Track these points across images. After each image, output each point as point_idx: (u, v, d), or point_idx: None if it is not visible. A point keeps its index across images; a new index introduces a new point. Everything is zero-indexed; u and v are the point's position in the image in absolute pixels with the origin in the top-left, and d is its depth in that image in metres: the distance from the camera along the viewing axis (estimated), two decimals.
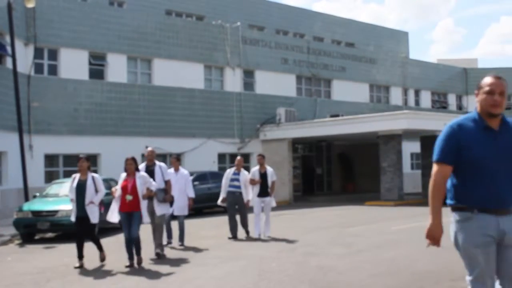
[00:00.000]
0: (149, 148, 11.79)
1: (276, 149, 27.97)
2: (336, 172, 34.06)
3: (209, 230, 15.55)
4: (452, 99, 40.08)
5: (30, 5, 18.34)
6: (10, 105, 19.27)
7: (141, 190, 9.66)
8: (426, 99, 38.19)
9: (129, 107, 24.15)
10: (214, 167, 25.97)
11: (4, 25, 19.35)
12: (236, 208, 13.25)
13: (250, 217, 13.30)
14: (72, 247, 12.76)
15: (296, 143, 30.02)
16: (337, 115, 28.60)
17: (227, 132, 27.26)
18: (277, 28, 35.24)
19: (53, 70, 22.75)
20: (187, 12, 32.37)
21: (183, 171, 12.74)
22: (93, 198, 9.91)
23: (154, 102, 24.92)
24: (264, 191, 13.02)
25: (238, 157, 13.85)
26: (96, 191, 10.01)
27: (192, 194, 12.59)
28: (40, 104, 21.80)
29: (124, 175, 9.90)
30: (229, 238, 13.07)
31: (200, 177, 21.68)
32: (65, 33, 22.76)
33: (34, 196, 16.35)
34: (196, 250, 11.57)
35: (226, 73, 27.79)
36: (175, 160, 12.97)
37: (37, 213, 14.42)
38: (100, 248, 10.30)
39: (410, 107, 35.77)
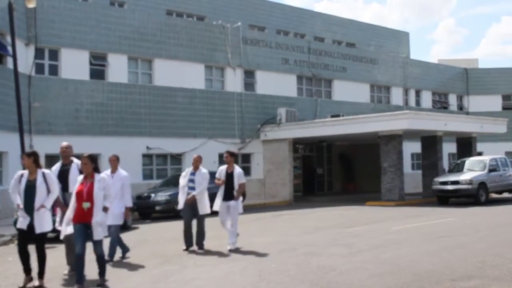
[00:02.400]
0: (64, 143, 9.91)
1: (277, 149, 27.97)
2: (337, 172, 34.06)
3: (209, 231, 15.45)
4: (453, 99, 40.03)
5: (31, 5, 18.31)
6: (10, 105, 19.25)
7: (99, 197, 7.98)
8: (427, 99, 38.16)
9: (130, 107, 24.14)
10: (215, 168, 25.89)
11: (5, 25, 19.34)
12: (192, 214, 11.57)
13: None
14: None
15: (296, 143, 30.02)
16: (338, 115, 28.57)
17: (227, 132, 27.25)
18: (278, 28, 35.24)
19: (54, 70, 22.73)
20: (188, 12, 32.38)
21: (122, 172, 10.78)
22: (44, 201, 8.23)
23: (155, 102, 24.92)
24: (228, 194, 11.34)
25: (195, 155, 12.06)
26: (49, 191, 8.31)
27: (129, 203, 10.66)
28: (41, 104, 21.78)
29: (80, 177, 8.22)
30: (184, 250, 11.46)
31: None
32: (66, 33, 22.76)
33: None
34: (195, 250, 11.54)
35: (227, 73, 27.78)
36: (115, 159, 10.87)
37: None
38: (41, 270, 8.30)
39: (411, 107, 35.76)
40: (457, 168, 25.17)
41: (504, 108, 39.86)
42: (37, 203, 8.12)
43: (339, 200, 26.87)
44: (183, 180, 11.66)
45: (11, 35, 18.33)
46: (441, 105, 39.05)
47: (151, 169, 24.99)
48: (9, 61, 19.87)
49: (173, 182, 21.21)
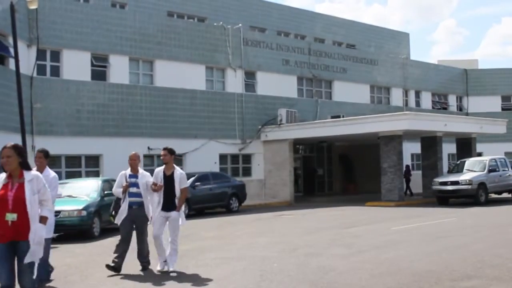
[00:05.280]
0: None
1: (277, 150, 27.98)
2: (337, 173, 34.06)
3: (211, 231, 15.53)
4: (452, 100, 40.03)
5: (33, 6, 18.31)
6: (12, 106, 19.25)
7: (32, 203, 5.49)
8: (426, 100, 38.15)
9: (131, 108, 24.16)
10: (216, 168, 25.97)
11: (7, 26, 19.35)
12: (135, 227, 9.29)
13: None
14: (74, 247, 12.82)
15: (297, 144, 30.02)
16: (338, 116, 28.60)
17: (228, 133, 27.26)
18: (278, 30, 35.26)
19: (55, 71, 22.75)
20: (189, 14, 32.40)
21: (50, 173, 8.41)
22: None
23: (156, 103, 24.94)
24: (169, 203, 8.94)
25: (132, 153, 9.59)
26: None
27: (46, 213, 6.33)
28: (42, 105, 21.80)
29: (2, 177, 5.62)
30: (108, 267, 9.03)
31: (201, 178, 21.69)
32: (67, 34, 22.78)
33: None
34: (197, 250, 11.52)
35: (227, 74, 27.80)
36: (42, 155, 8.31)
37: None
38: None
39: (411, 108, 35.76)
40: (457, 168, 25.18)
41: (503, 109, 39.86)
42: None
43: (339, 200, 26.89)
44: (118, 190, 9.33)
45: (13, 36, 18.34)
46: (440, 106, 39.05)
47: (152, 170, 24.85)
48: (11, 62, 19.88)
49: None
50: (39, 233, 5.46)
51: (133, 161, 9.37)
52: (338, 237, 13.00)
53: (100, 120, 23.25)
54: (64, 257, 11.21)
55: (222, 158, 27.26)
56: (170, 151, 9.23)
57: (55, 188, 8.08)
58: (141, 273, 9.22)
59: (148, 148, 24.11)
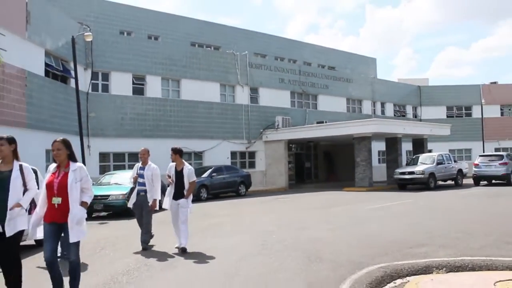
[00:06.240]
0: None
1: (275, 148, 27.98)
2: (321, 166, 34.03)
3: (225, 210, 15.55)
4: (409, 109, 39.91)
5: (89, 39, 18.41)
6: (73, 115, 19.35)
7: (75, 190, 5.02)
8: (389, 109, 38.05)
9: (162, 116, 24.19)
10: (228, 162, 26.00)
11: (69, 54, 19.48)
12: (141, 212, 8.69)
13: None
14: (121, 223, 12.85)
15: (290, 143, 30.02)
16: (322, 122, 28.58)
17: (237, 135, 27.26)
18: (276, 55, 35.22)
19: (105, 88, 22.81)
20: (207, 44, 32.40)
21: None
22: (20, 199, 5.11)
23: (182, 112, 24.96)
24: (178, 193, 8.33)
25: (141, 148, 8.95)
26: (26, 188, 5.21)
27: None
28: (95, 114, 21.86)
29: (52, 166, 5.18)
30: (144, 249, 8.44)
31: (217, 170, 21.73)
32: (114, 60, 22.82)
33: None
34: (215, 225, 11.53)
35: (236, 90, 27.79)
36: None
37: (93, 197, 14.48)
38: (16, 283, 5.01)
39: (378, 115, 35.68)
40: (413, 162, 25.16)
41: (447, 116, 39.75)
42: (11, 201, 5.04)
43: (323, 187, 26.88)
44: (133, 175, 8.86)
45: (74, 62, 18.43)
46: (400, 114, 38.93)
47: None
48: (72, 82, 19.96)
49: (196, 173, 21.13)
50: (78, 215, 4.97)
51: (142, 155, 8.78)
52: (322, 215, 12.99)
53: (139, 126, 23.29)
54: (113, 230, 11.26)
55: (233, 154, 27.28)
56: (175, 151, 8.39)
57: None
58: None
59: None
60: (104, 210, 14.68)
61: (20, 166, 5.23)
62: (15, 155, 5.25)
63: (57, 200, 4.94)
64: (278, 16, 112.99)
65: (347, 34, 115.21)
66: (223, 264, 7.04)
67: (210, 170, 21.24)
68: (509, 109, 40.72)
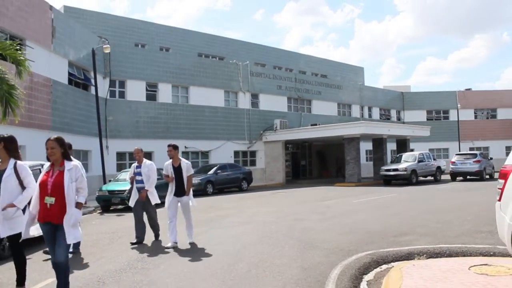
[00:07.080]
0: None
1: (274, 148, 27.97)
2: (315, 163, 34.00)
3: (228, 203, 15.54)
4: (393, 113, 39.87)
5: (107, 51, 18.44)
6: (93, 119, 19.38)
7: (69, 189, 4.33)
8: (376, 113, 38.01)
9: (173, 119, 24.19)
10: (231, 160, 26.00)
11: (89, 64, 19.52)
12: (142, 208, 8.17)
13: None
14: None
15: (287, 144, 30.01)
16: (315, 124, 28.55)
17: (240, 136, 27.24)
18: (274, 65, 35.20)
19: (122, 94, 22.82)
20: (213, 54, 32.40)
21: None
22: (14, 198, 4.65)
23: (190, 116, 24.96)
24: (179, 189, 7.66)
25: (135, 148, 8.27)
26: (22, 187, 4.72)
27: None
28: (113, 118, 21.88)
29: (46, 165, 4.54)
30: (132, 243, 7.89)
31: (221, 167, 21.71)
32: (130, 69, 22.84)
33: (110, 180, 16.46)
34: (220, 216, 11.52)
35: (239, 96, 27.78)
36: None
37: (111, 192, 14.52)
38: (21, 277, 4.77)
39: (365, 118, 35.64)
40: (397, 160, 25.15)
41: (427, 119, 39.69)
42: (4, 200, 4.59)
43: (316, 182, 26.84)
44: (130, 175, 8.24)
45: (94, 71, 18.47)
46: (385, 117, 38.89)
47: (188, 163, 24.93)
48: (92, 89, 19.99)
49: (203, 171, 21.27)
50: (74, 216, 4.33)
51: (137, 154, 8.12)
52: (316, 207, 12.99)
53: (152, 128, 23.30)
54: (129, 222, 11.16)
55: (236, 153, 27.28)
56: (174, 147, 7.70)
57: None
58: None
59: (185, 147, 24.17)
60: (120, 203, 14.68)
61: (15, 164, 4.73)
62: (9, 154, 4.76)
63: (50, 200, 4.28)
64: (277, 30, 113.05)
65: (338, 46, 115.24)
66: (229, 251, 7.04)
67: (215, 168, 21.25)
68: (482, 113, 40.73)
